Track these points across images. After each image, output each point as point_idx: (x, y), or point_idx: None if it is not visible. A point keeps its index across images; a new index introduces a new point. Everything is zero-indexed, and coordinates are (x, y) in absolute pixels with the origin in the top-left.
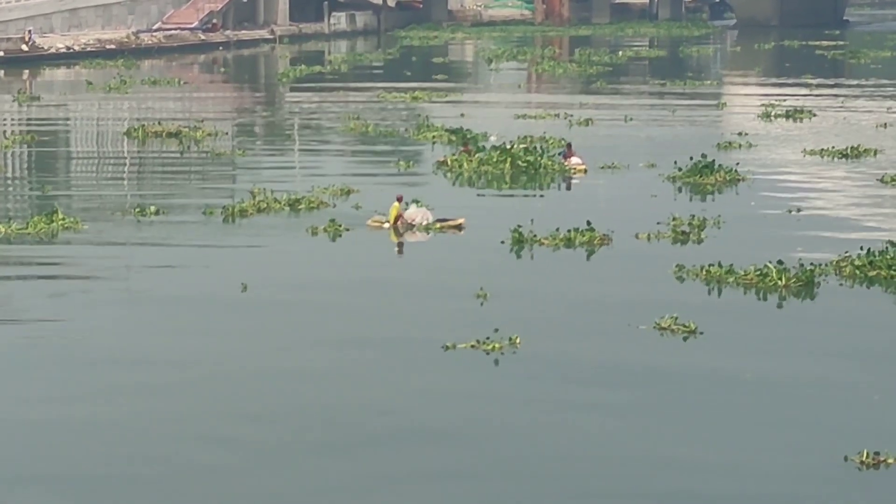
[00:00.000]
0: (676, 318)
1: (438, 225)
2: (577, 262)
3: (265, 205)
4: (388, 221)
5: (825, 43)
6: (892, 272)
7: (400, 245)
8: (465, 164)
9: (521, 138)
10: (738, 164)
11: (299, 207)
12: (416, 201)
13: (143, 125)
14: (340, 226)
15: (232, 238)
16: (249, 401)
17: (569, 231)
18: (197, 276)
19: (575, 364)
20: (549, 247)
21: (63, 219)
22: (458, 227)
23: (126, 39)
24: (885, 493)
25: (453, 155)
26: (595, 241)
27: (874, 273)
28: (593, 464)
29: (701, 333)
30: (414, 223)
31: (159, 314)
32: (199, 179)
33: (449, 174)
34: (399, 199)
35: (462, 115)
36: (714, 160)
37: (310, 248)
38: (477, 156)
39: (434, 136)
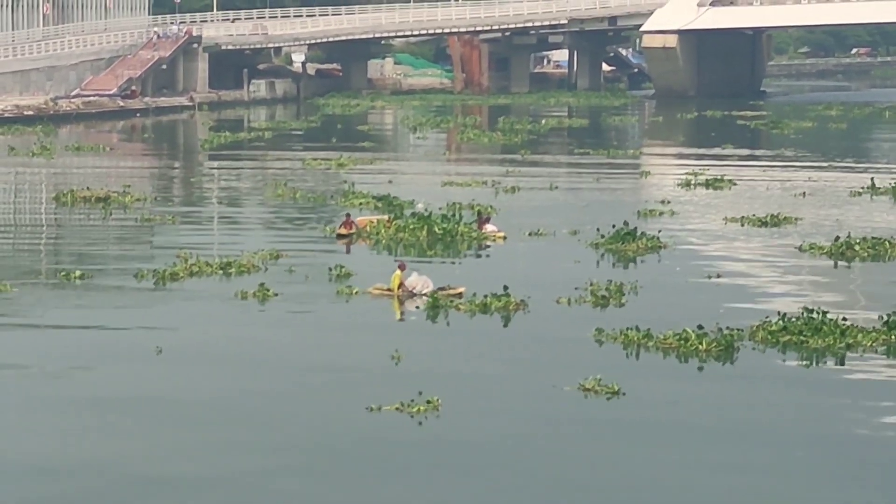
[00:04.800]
0: (600, 380)
1: (439, 293)
2: (494, 326)
3: (197, 268)
4: (391, 289)
5: (747, 113)
6: (802, 337)
7: (317, 309)
8: (382, 232)
9: (451, 205)
10: (659, 231)
11: (230, 271)
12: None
13: (72, 190)
14: (269, 290)
15: (159, 302)
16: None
17: (485, 297)
18: (115, 337)
19: (500, 424)
20: (465, 312)
21: None
22: (459, 296)
23: (44, 105)
24: None
25: (366, 227)
26: (511, 307)
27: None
28: None
29: (624, 394)
30: (415, 291)
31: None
32: (129, 244)
33: (368, 240)
34: (402, 268)
35: (390, 181)
36: (636, 227)
37: (236, 312)
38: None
39: (361, 203)
